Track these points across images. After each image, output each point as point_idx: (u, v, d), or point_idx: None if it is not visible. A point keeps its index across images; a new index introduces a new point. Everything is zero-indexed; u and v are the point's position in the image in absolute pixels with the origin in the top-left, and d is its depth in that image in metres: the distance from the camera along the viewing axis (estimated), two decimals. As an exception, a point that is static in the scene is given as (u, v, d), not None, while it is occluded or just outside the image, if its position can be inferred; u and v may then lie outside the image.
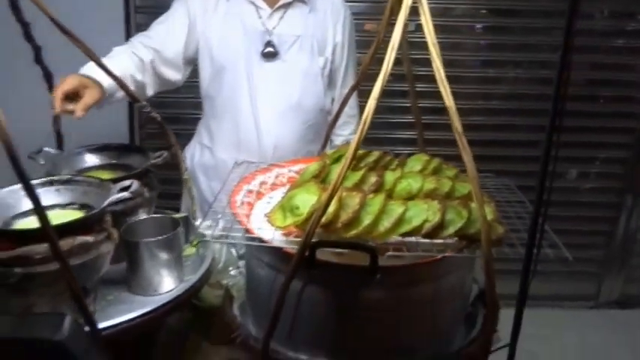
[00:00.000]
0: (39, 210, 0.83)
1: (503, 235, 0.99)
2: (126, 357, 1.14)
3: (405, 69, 1.36)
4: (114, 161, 1.54)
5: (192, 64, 1.91)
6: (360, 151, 1.33)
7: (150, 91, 1.83)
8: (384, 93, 0.89)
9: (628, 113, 2.95)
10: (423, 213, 0.97)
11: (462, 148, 0.88)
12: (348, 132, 1.98)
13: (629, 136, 2.98)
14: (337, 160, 1.31)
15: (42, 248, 0.99)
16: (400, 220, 0.97)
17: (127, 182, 1.20)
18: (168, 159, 1.50)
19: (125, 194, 1.16)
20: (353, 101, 1.93)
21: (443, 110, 0.89)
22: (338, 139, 1.97)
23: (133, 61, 1.75)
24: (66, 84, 1.43)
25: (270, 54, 1.83)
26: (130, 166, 1.51)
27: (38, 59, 1.33)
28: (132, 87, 1.61)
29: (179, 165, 1.53)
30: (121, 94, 1.60)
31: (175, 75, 1.86)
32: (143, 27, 2.60)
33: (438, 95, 0.90)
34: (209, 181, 1.97)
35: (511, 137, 2.95)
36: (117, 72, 1.47)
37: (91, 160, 1.52)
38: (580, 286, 3.24)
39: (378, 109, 0.88)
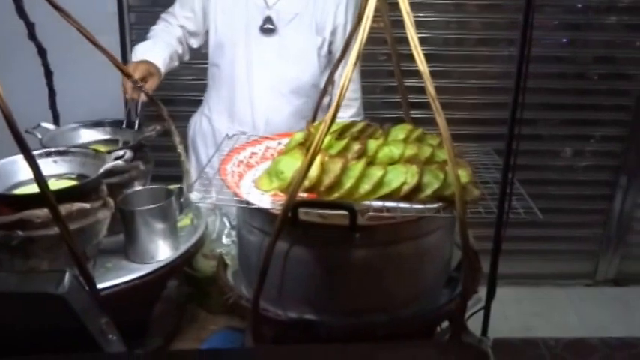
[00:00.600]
0: (38, 175, 0.91)
1: (479, 197, 1.06)
2: (125, 328, 1.22)
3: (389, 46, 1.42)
4: (109, 137, 1.61)
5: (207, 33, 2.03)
6: (346, 122, 1.40)
7: (186, 57, 2.05)
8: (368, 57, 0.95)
9: (623, 90, 3.01)
10: (402, 176, 1.04)
11: (436, 111, 0.94)
12: (348, 115, 2.03)
13: (624, 114, 3.03)
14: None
15: (42, 213, 1.07)
16: (379, 184, 1.04)
17: (120, 152, 1.27)
18: (161, 133, 1.57)
19: (119, 162, 1.23)
20: (354, 84, 2.00)
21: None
22: (339, 122, 2.02)
23: (172, 38, 1.97)
24: (137, 72, 1.66)
25: (268, 30, 1.92)
26: (125, 142, 1.59)
27: (32, 36, 1.39)
28: (176, 62, 1.98)
29: (173, 139, 1.60)
30: (170, 68, 1.93)
31: (197, 43, 2.04)
32: (136, 25, 2.69)
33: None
34: (207, 149, 2.08)
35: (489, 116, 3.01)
36: (167, 51, 1.89)
37: (87, 135, 1.60)
38: (577, 265, 3.31)
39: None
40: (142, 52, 1.86)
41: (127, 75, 1.51)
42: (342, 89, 0.96)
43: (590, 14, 2.87)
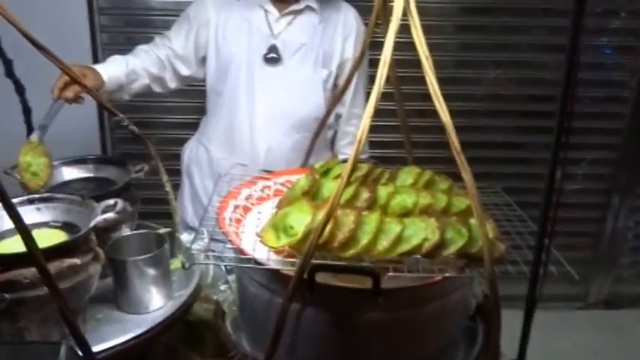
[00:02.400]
0: (25, 233, 0.85)
1: (505, 253, 1.03)
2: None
3: (393, 87, 1.40)
4: (92, 174, 1.56)
5: (204, 61, 1.98)
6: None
7: (172, 85, 2.00)
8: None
9: (614, 114, 3.04)
10: (422, 232, 1.01)
11: (461, 165, 0.92)
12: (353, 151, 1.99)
13: (615, 137, 3.07)
14: (325, 173, 1.34)
15: (30, 272, 1.02)
16: (398, 239, 1.00)
17: (111, 201, 1.22)
18: (149, 172, 1.53)
19: (111, 215, 1.18)
20: (361, 121, 1.96)
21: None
22: (343, 158, 2.00)
23: (149, 57, 1.93)
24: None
25: (272, 59, 1.88)
26: (109, 180, 1.53)
27: (9, 72, 1.34)
28: (147, 80, 1.93)
29: (161, 177, 1.56)
30: (135, 85, 1.90)
31: (186, 70, 1.98)
32: (107, 28, 2.64)
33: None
34: (202, 178, 2.04)
35: (492, 139, 3.01)
36: (133, 66, 1.84)
37: (69, 173, 1.56)
38: (568, 287, 3.32)
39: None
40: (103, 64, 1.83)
41: (112, 113, 1.45)
42: (360, 142, 0.93)
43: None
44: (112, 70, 1.81)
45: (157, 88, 2.00)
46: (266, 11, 1.90)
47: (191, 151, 2.09)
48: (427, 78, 0.97)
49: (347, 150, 2.01)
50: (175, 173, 2.18)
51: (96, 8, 2.62)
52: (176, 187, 2.12)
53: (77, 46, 2.52)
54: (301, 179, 1.26)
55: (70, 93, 1.55)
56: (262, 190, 1.46)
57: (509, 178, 2.98)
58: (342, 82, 1.91)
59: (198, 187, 2.05)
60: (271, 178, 1.50)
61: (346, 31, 1.93)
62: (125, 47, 2.64)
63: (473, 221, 1.01)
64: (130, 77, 1.87)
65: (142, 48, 1.96)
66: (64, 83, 1.54)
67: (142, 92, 1.97)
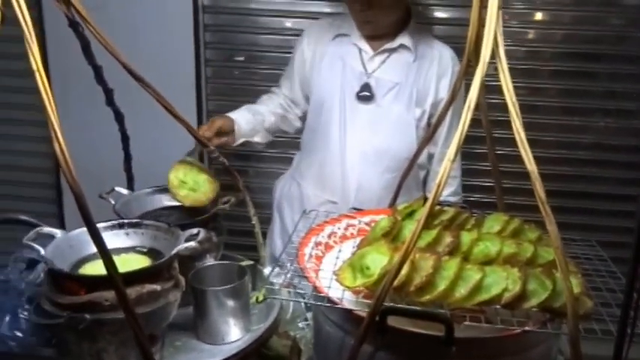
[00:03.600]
0: (106, 257, 0.89)
1: (592, 310, 0.97)
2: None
3: (484, 128, 1.36)
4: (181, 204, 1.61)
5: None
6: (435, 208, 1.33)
7: (297, 124, 2.11)
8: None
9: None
10: (503, 281, 0.96)
11: (546, 216, 0.88)
12: (446, 193, 1.96)
13: None
14: (409, 215, 1.32)
15: (111, 295, 1.06)
16: (477, 288, 0.96)
17: (194, 230, 1.25)
18: (236, 204, 1.56)
19: (192, 244, 1.21)
20: (454, 162, 1.93)
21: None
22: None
23: (272, 101, 2.08)
24: (210, 129, 1.78)
25: (365, 97, 1.90)
26: (197, 209, 1.57)
27: (110, 101, 1.42)
28: (275, 120, 2.06)
29: (248, 210, 1.58)
30: (266, 126, 2.03)
31: (300, 110, 2.09)
32: (211, 62, 2.76)
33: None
34: (292, 213, 2.07)
35: (597, 190, 2.84)
36: (260, 110, 2.01)
37: (160, 201, 1.60)
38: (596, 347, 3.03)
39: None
40: (231, 112, 1.94)
41: (203, 144, 1.51)
42: (439, 185, 0.91)
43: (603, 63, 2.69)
44: (242, 113, 1.96)
45: (285, 127, 2.11)
46: (360, 49, 1.92)
47: (283, 187, 2.13)
48: (513, 124, 0.94)
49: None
50: (266, 206, 2.24)
51: (202, 42, 2.75)
52: (266, 220, 2.19)
53: (181, 78, 2.68)
54: (383, 220, 1.24)
55: (215, 140, 1.77)
56: (346, 229, 1.45)
57: (610, 230, 2.80)
58: (434, 120, 1.89)
59: (288, 222, 2.08)
60: (356, 217, 1.50)
61: (441, 70, 1.92)
62: (228, 80, 2.81)
63: (559, 275, 0.95)
64: (258, 119, 1.99)
65: (265, 96, 2.11)
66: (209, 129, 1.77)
67: (274, 132, 2.09)
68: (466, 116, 0.93)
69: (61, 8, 1.13)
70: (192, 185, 1.52)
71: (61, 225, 2.89)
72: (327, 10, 2.67)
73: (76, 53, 1.31)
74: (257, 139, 2.02)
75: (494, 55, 0.95)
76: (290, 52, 2.67)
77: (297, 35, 2.64)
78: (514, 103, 0.95)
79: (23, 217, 1.54)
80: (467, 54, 1.28)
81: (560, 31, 2.66)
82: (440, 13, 2.63)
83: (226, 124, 1.86)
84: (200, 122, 2.78)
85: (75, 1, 1.11)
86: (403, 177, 1.70)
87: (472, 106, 0.94)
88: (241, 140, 1.95)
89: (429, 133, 1.61)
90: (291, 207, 2.07)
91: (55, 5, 1.11)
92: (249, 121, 1.96)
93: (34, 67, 0.91)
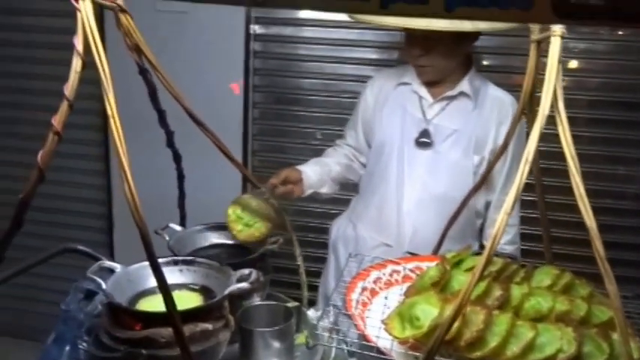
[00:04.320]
0: (167, 296, 0.91)
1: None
2: None
3: (534, 177, 1.35)
4: (231, 241, 1.63)
5: None
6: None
7: (361, 172, 2.13)
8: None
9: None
10: (557, 341, 0.94)
11: (604, 274, 0.86)
12: (504, 241, 1.94)
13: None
14: (457, 264, 1.31)
15: (167, 332, 1.08)
16: (530, 346, 0.95)
17: (246, 271, 1.27)
18: (283, 244, 1.57)
19: (245, 285, 1.22)
20: (513, 210, 1.91)
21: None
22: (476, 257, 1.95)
23: (337, 153, 2.14)
24: (277, 177, 1.86)
25: (423, 143, 1.91)
26: (245, 248, 1.60)
27: (170, 143, 1.45)
28: (341, 170, 2.10)
29: (294, 252, 1.59)
30: (333, 176, 2.07)
31: (365, 159, 2.11)
32: (259, 105, 2.81)
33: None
34: (347, 254, 2.03)
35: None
36: (326, 160, 2.08)
37: (211, 238, 1.64)
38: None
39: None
40: (299, 165, 2.02)
41: (254, 185, 1.54)
42: (495, 238, 0.90)
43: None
44: (309, 165, 2.03)
45: (351, 177, 2.15)
46: (420, 97, 1.93)
47: (339, 228, 2.13)
48: (572, 179, 0.93)
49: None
50: (320, 246, 2.25)
51: (251, 85, 2.82)
52: (320, 260, 2.23)
53: (230, 117, 2.75)
54: (431, 269, 1.24)
55: (281, 188, 1.84)
56: (391, 275, 1.45)
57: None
58: (494, 169, 1.86)
59: (343, 263, 2.05)
60: (401, 263, 1.50)
61: (501, 116, 1.90)
62: (274, 122, 2.86)
63: (616, 336, 0.93)
64: (324, 170, 2.04)
65: (330, 149, 2.18)
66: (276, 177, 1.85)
67: (340, 181, 2.13)
68: (524, 168, 0.93)
69: (133, 56, 1.17)
70: (248, 221, 1.56)
71: (110, 254, 2.95)
72: (372, 56, 2.72)
73: (136, 96, 1.35)
74: (324, 189, 2.07)
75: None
76: (332, 96, 2.77)
77: (341, 80, 2.71)
78: (573, 157, 0.95)
79: (81, 248, 1.60)
80: (522, 103, 1.28)
81: (596, 79, 2.62)
82: (500, 61, 2.63)
83: (293, 174, 1.92)
84: (245, 160, 2.84)
85: (146, 50, 1.15)
86: (450, 222, 1.70)
87: (530, 158, 0.93)
88: (310, 191, 2.00)
89: (480, 181, 1.60)
90: (346, 248, 2.06)
91: (129, 54, 1.15)
92: (316, 172, 2.01)
93: (109, 112, 0.95)
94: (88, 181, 3.10)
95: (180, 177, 1.57)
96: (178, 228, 1.61)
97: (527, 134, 0.95)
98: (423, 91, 1.93)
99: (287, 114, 2.88)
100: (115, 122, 0.95)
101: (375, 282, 1.40)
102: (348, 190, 2.24)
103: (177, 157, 1.50)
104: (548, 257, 1.41)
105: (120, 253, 2.95)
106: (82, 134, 2.94)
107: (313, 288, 1.72)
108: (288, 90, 2.86)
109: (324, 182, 2.05)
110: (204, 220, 1.65)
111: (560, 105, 0.98)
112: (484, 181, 1.54)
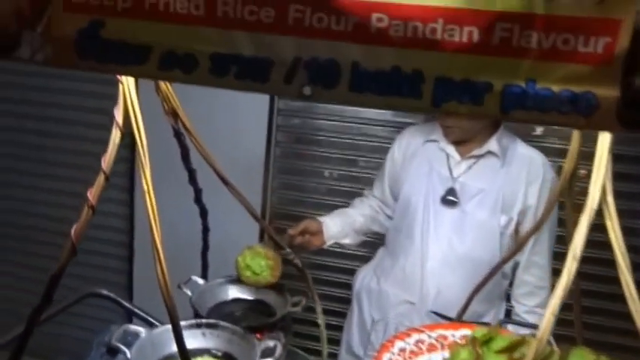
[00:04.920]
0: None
1: None
2: None
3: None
4: (252, 297, 1.61)
5: None
6: (514, 337, 1.27)
7: (387, 224, 2.11)
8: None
9: None
10: None
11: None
12: (533, 303, 1.88)
13: None
14: (486, 342, 1.26)
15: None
16: None
17: (271, 343, 1.24)
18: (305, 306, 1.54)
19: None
20: (543, 271, 1.88)
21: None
22: (520, 308, 1.90)
23: (363, 204, 2.13)
24: (296, 227, 1.91)
25: (449, 202, 1.86)
26: (267, 305, 1.58)
27: (198, 199, 1.44)
28: (364, 221, 2.10)
29: (316, 311, 1.55)
30: (356, 227, 2.07)
31: (392, 212, 2.09)
32: (279, 159, 2.80)
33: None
34: (370, 308, 2.01)
35: None
36: (350, 212, 2.08)
37: (233, 292, 1.62)
38: None
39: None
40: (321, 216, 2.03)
41: (280, 247, 1.51)
42: (542, 337, 0.86)
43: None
44: (331, 216, 2.04)
45: (376, 228, 2.13)
46: (448, 155, 1.90)
47: (364, 279, 2.08)
48: (622, 278, 0.88)
49: (525, 300, 1.89)
50: (340, 300, 2.24)
51: (275, 125, 2.82)
52: (341, 314, 2.22)
53: (252, 154, 2.74)
54: (462, 352, 1.18)
55: (299, 239, 1.89)
56: (416, 344, 1.40)
57: None
58: (523, 229, 1.83)
59: (366, 315, 2.02)
60: (424, 331, 1.45)
61: (531, 176, 1.84)
62: (295, 161, 2.84)
63: None
64: (347, 221, 2.04)
65: (357, 199, 2.17)
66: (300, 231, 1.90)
67: (364, 233, 2.12)
68: (571, 266, 0.88)
69: (169, 120, 1.14)
70: (255, 269, 1.60)
71: (130, 295, 2.93)
72: (390, 118, 2.74)
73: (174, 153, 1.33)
74: (347, 240, 2.06)
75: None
76: (351, 138, 2.77)
77: (362, 123, 2.75)
78: (623, 255, 0.90)
79: (105, 292, 1.64)
80: (561, 187, 1.23)
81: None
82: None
83: (312, 225, 1.93)
84: (265, 196, 2.82)
85: (183, 116, 1.13)
86: (477, 289, 1.63)
87: (578, 255, 0.89)
88: (331, 242, 2.00)
89: (513, 251, 1.54)
90: (369, 300, 2.02)
91: (166, 118, 1.13)
92: (338, 223, 2.01)
93: (145, 187, 0.92)
94: (111, 223, 3.10)
95: (206, 230, 1.56)
96: (201, 281, 1.59)
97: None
98: (450, 149, 1.90)
99: (307, 154, 2.88)
100: (150, 198, 0.92)
101: (399, 353, 1.35)
102: (366, 246, 2.22)
103: (203, 213, 1.49)
104: (580, 342, 1.36)
105: (140, 294, 2.96)
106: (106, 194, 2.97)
107: (333, 341, 1.67)
108: (310, 130, 2.86)
109: (347, 233, 2.04)
110: (224, 267, 1.64)
111: (610, 199, 0.93)
112: (519, 249, 1.48)
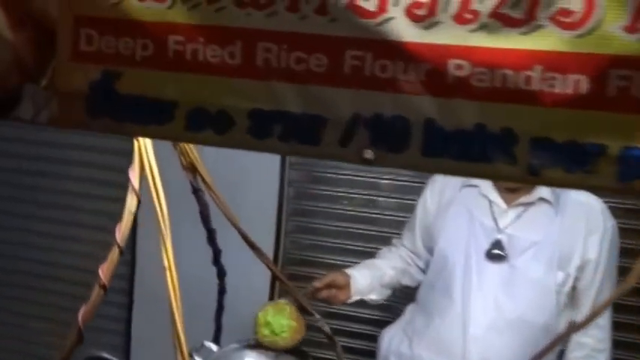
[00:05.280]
0: None
1: None
2: None
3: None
4: (271, 364, 1.48)
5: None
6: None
7: (420, 277, 1.89)
8: None
9: None
10: None
11: None
12: None
13: None
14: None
15: None
16: None
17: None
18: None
19: None
20: (602, 332, 1.65)
21: None
22: None
23: (392, 255, 1.90)
24: (321, 280, 1.69)
25: (496, 256, 1.64)
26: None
27: (216, 261, 1.34)
28: (394, 274, 1.86)
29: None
30: (385, 281, 1.84)
31: (423, 264, 1.89)
32: (292, 217, 2.70)
33: None
34: None
35: None
36: (379, 264, 1.84)
37: (248, 358, 1.46)
38: None
39: None
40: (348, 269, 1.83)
41: (308, 312, 1.40)
42: None
43: None
44: (358, 268, 1.83)
45: (406, 282, 1.90)
46: (491, 202, 1.69)
47: (392, 340, 1.85)
48: None
49: None
50: (366, 354, 2.13)
51: (287, 163, 2.71)
52: None
53: (265, 195, 2.62)
54: None
55: (324, 292, 1.68)
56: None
57: None
58: (581, 286, 1.63)
59: None
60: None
61: (590, 225, 1.62)
62: (309, 202, 2.73)
63: None
64: (376, 274, 1.83)
65: (384, 249, 1.95)
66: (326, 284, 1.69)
67: (393, 287, 1.90)
68: None
69: (188, 176, 1.01)
70: (275, 329, 1.47)
71: (127, 358, 2.82)
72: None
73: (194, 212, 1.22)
74: (373, 296, 1.83)
75: None
76: (369, 177, 2.55)
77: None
78: None
79: (107, 356, 1.59)
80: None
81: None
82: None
83: (340, 278, 1.71)
84: (278, 239, 2.70)
85: (202, 170, 1.00)
86: (542, 353, 1.44)
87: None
88: (357, 297, 1.77)
89: (582, 323, 1.36)
90: None
91: (185, 175, 1.00)
92: (366, 276, 1.79)
93: (166, 264, 0.79)
94: (111, 284, 2.98)
95: (222, 292, 1.44)
96: (214, 348, 1.45)
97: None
98: (495, 196, 1.68)
99: (322, 194, 2.74)
100: (171, 274, 0.78)
101: None
102: (387, 312, 2.07)
103: (221, 274, 1.37)
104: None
105: (137, 356, 2.82)
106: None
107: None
108: (324, 169, 2.72)
109: (374, 288, 1.81)
110: (237, 330, 1.52)
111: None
112: (593, 318, 1.31)
